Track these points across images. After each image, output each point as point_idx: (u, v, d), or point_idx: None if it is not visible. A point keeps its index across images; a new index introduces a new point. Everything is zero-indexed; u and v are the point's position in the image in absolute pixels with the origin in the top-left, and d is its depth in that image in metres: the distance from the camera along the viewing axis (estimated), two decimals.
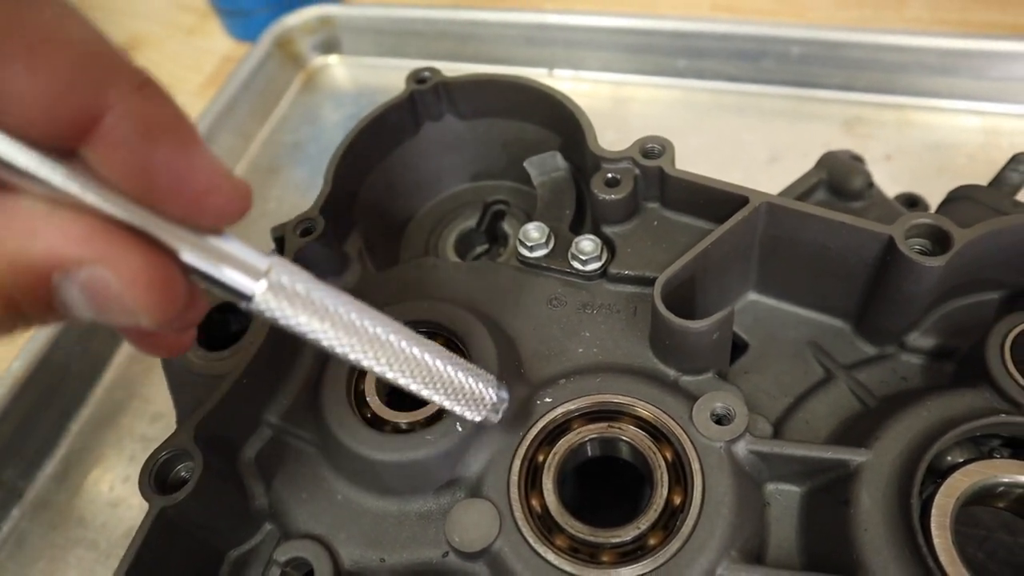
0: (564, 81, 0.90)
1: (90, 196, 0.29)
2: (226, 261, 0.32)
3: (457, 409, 0.40)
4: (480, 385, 0.40)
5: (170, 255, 0.31)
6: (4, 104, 0.27)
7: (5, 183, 0.28)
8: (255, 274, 0.32)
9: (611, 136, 0.53)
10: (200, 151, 0.31)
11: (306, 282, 0.34)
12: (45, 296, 0.29)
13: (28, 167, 0.28)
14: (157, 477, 0.44)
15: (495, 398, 0.41)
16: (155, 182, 0.30)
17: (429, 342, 0.39)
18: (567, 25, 0.87)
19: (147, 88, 0.29)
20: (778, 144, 0.78)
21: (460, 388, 0.39)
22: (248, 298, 0.32)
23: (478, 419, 0.41)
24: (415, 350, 0.38)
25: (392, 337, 0.37)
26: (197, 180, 0.30)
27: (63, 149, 0.29)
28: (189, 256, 0.31)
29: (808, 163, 0.59)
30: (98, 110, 0.28)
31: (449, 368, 0.39)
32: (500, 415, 0.41)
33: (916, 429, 0.42)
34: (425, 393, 0.39)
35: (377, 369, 0.37)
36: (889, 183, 0.59)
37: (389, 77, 0.97)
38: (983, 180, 0.55)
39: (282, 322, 0.33)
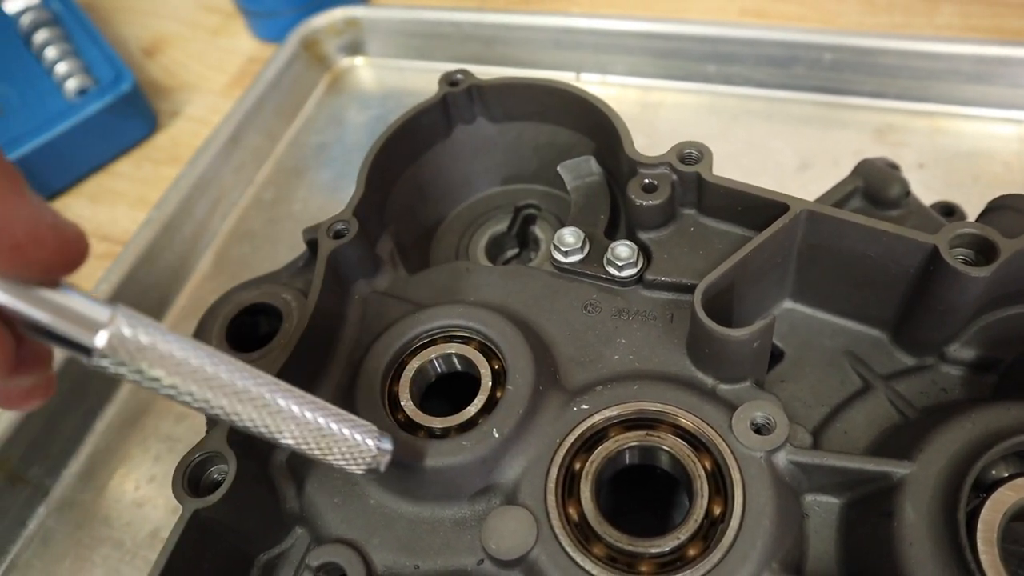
0: (591, 85, 0.89)
1: None
2: (60, 313, 0.30)
3: (335, 463, 0.38)
4: (358, 436, 0.38)
5: None
6: None
7: None
8: (93, 326, 0.30)
9: (640, 141, 0.53)
10: (20, 199, 0.28)
11: (153, 332, 0.32)
12: None
13: None
14: (191, 479, 0.43)
15: (375, 448, 0.39)
16: None
17: (300, 392, 0.37)
18: (595, 29, 0.87)
19: None
20: (808, 151, 0.78)
21: (335, 440, 0.37)
22: (88, 351, 0.30)
23: (360, 472, 0.39)
24: (281, 400, 0.35)
25: (254, 388, 0.35)
26: (13, 233, 0.28)
27: None
28: (16, 309, 0.29)
29: (839, 170, 0.58)
30: None
31: (320, 419, 0.37)
32: (384, 466, 0.40)
33: (961, 441, 0.41)
34: (296, 447, 0.37)
35: (241, 424, 0.35)
36: (923, 191, 0.58)
37: (415, 79, 0.97)
38: (1019, 189, 0.54)
39: (129, 376, 0.31)
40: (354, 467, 0.39)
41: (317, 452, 0.37)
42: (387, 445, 0.40)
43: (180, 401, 0.33)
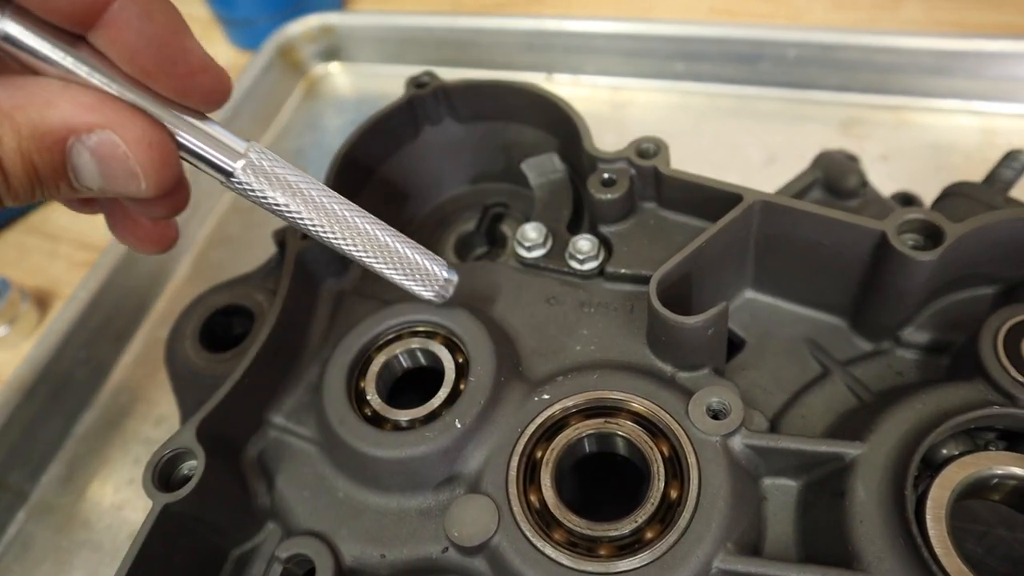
0: (563, 85, 0.91)
1: (97, 77, 0.34)
2: (211, 140, 0.37)
3: (407, 284, 0.44)
4: (431, 264, 0.45)
5: (164, 130, 0.36)
6: None
7: (26, 65, 0.33)
8: (235, 154, 0.37)
9: (610, 139, 0.54)
10: (192, 37, 0.35)
11: (279, 164, 0.39)
12: (60, 160, 0.34)
13: (44, 51, 0.33)
14: (161, 475, 0.44)
15: (444, 276, 0.45)
16: (155, 61, 0.34)
17: (387, 226, 0.43)
18: (565, 31, 0.88)
19: None
20: (775, 145, 0.79)
21: (412, 264, 0.44)
22: (229, 174, 0.37)
23: (428, 295, 0.45)
24: (375, 229, 0.43)
25: (354, 216, 0.42)
26: (190, 60, 0.35)
27: (75, 34, 0.33)
28: (181, 132, 0.36)
29: (805, 164, 0.59)
30: None
31: (403, 246, 0.44)
32: (449, 294, 0.46)
33: (910, 422, 0.42)
34: (379, 267, 0.43)
35: (337, 243, 0.41)
36: (887, 182, 0.59)
37: (390, 84, 0.97)
38: (980, 178, 0.55)
39: (258, 197, 0.38)
40: (426, 290, 0.45)
41: (396, 275, 0.44)
42: (454, 276, 0.46)
43: (292, 220, 0.40)
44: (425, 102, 0.61)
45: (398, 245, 0.43)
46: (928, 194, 0.60)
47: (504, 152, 0.64)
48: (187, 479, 0.44)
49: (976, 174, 0.56)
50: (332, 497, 0.47)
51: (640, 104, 0.86)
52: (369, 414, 0.47)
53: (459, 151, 0.64)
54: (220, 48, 1.08)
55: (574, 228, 0.56)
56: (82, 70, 0.34)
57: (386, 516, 0.45)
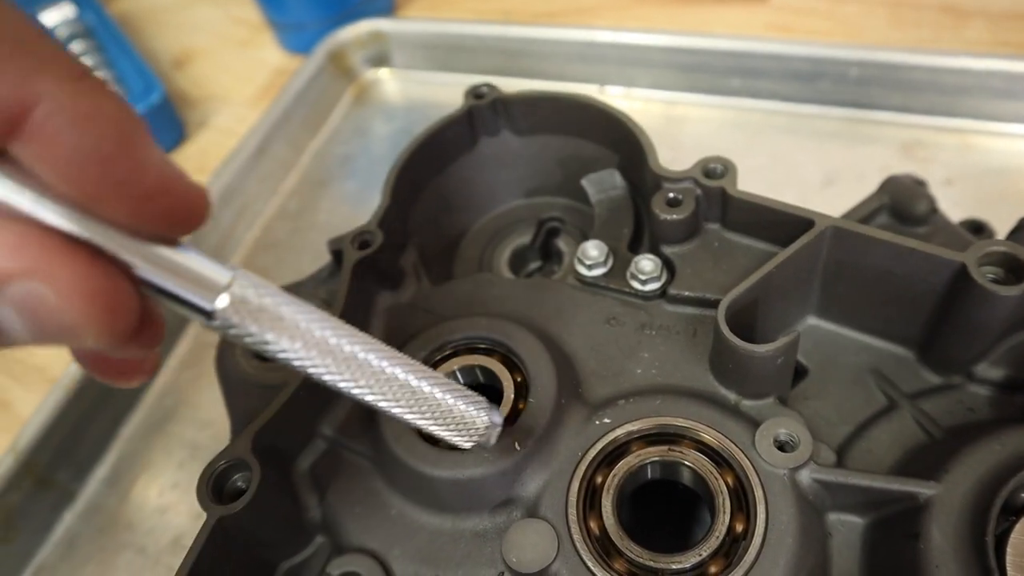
0: (615, 98, 0.90)
1: (21, 200, 0.26)
2: (181, 273, 0.29)
3: (444, 435, 0.38)
4: (471, 409, 0.37)
5: (117, 266, 0.28)
6: None
7: None
8: (215, 289, 0.29)
9: (664, 155, 0.53)
10: (149, 148, 0.27)
11: (273, 295, 0.31)
12: None
13: None
14: (215, 487, 0.44)
15: (487, 422, 0.38)
16: (96, 182, 0.26)
17: (413, 362, 0.35)
18: (619, 43, 0.87)
19: (85, 80, 0.26)
20: (833, 166, 0.77)
21: (447, 412, 0.37)
22: (208, 314, 0.29)
23: (467, 446, 0.39)
24: (397, 370, 0.34)
25: (371, 357, 0.34)
26: (145, 180, 0.27)
27: None
28: (139, 267, 0.28)
29: (864, 186, 0.58)
30: (27, 101, 0.25)
31: (435, 390, 0.36)
32: (492, 441, 0.39)
33: (989, 463, 0.40)
34: (409, 418, 0.36)
35: (355, 392, 0.34)
36: (951, 208, 0.58)
37: (439, 91, 0.98)
38: None
39: (248, 341, 0.30)
40: (464, 439, 0.38)
41: (431, 424, 0.37)
42: (497, 419, 0.39)
43: (295, 366, 0.32)
44: (483, 113, 0.60)
45: (429, 388, 0.36)
46: (996, 221, 0.59)
47: (561, 166, 0.63)
48: (240, 491, 0.43)
49: None
50: (385, 514, 0.46)
51: (694, 119, 0.85)
52: (424, 433, 0.46)
53: (516, 163, 0.64)
54: (271, 52, 1.09)
55: (634, 247, 0.55)
56: (0, 191, 0.26)
57: (440, 536, 0.44)
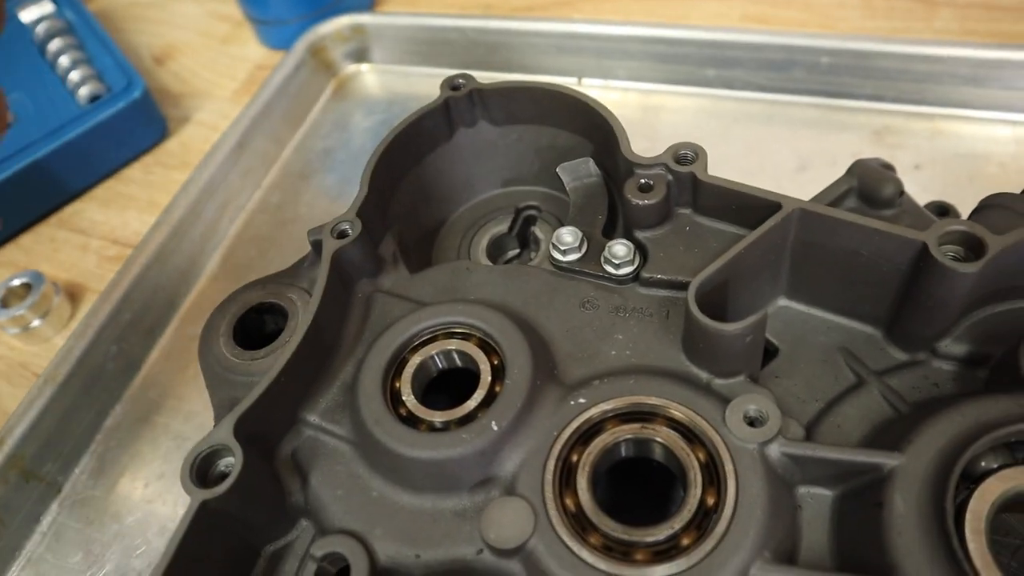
0: (593, 90, 0.90)
1: None
2: None
3: None
4: None
5: None
6: None
7: None
8: None
9: (641, 144, 0.54)
10: None
11: None
12: None
13: None
14: (199, 471, 0.44)
15: None
16: None
17: None
18: (597, 35, 0.88)
19: None
20: (807, 153, 0.79)
21: None
22: None
23: None
24: None
25: None
26: None
27: None
28: None
29: (837, 172, 0.59)
30: None
31: None
32: None
33: (950, 434, 0.42)
34: None
35: None
36: (919, 192, 0.59)
37: (419, 85, 0.98)
38: (1015, 189, 0.55)
39: None
40: None
41: None
42: None
43: None
44: (460, 104, 0.61)
45: None
46: (962, 204, 0.60)
47: (538, 155, 0.64)
48: (224, 476, 0.44)
49: (1010, 185, 0.56)
50: (366, 496, 0.47)
51: (671, 110, 0.86)
52: (404, 415, 0.47)
53: (493, 153, 0.65)
54: (251, 48, 1.09)
55: (608, 233, 0.56)
56: None
57: (421, 516, 0.45)
